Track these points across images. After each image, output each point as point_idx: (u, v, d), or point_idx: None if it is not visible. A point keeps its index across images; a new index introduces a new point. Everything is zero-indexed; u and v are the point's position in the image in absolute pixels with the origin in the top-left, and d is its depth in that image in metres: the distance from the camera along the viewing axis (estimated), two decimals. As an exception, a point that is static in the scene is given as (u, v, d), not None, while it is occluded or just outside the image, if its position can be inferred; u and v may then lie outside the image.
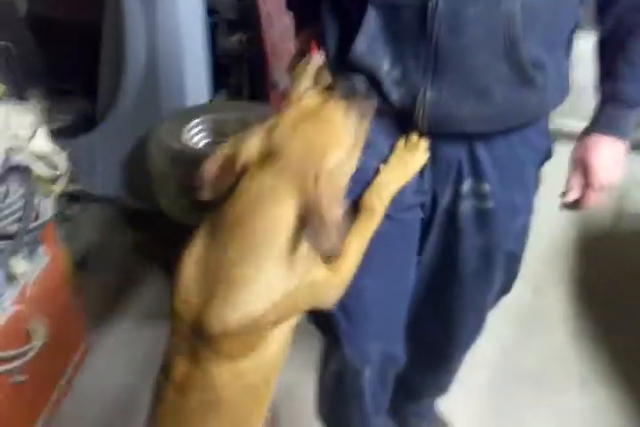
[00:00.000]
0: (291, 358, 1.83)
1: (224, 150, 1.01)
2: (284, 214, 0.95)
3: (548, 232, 2.55)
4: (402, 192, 1.13)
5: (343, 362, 1.25)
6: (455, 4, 0.98)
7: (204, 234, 1.04)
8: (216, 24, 2.58)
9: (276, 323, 1.01)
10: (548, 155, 1.22)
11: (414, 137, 1.13)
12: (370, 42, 1.05)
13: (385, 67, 1.06)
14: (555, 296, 2.33)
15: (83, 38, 2.57)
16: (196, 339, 0.99)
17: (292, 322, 1.06)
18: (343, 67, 1.10)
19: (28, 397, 1.69)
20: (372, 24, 1.04)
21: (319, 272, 1.03)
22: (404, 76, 1.06)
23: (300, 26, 1.37)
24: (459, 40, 1.00)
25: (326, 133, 0.99)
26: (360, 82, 1.07)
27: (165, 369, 1.05)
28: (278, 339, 1.04)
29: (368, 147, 1.07)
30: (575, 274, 2.43)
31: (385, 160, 1.14)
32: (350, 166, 1.02)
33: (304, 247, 0.98)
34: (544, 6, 1.01)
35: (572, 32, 1.12)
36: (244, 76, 2.68)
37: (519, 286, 2.25)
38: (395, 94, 1.07)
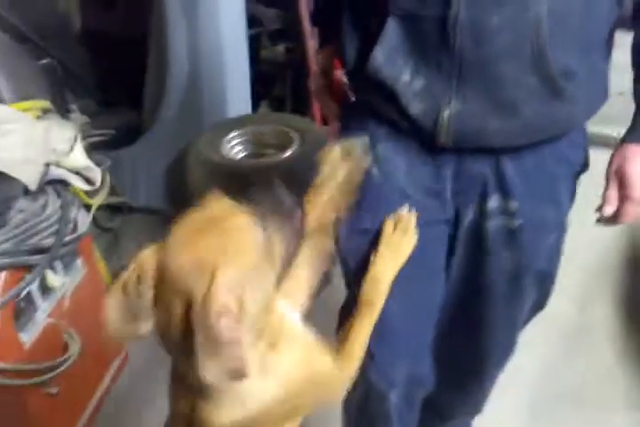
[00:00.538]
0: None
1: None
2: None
3: (595, 246, 2.44)
4: (419, 209, 1.09)
5: (368, 386, 1.20)
6: (477, 13, 0.94)
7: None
8: (259, 35, 2.59)
9: (279, 422, 0.94)
10: (583, 167, 1.16)
11: (403, 216, 1.09)
12: (389, 52, 1.02)
13: (405, 78, 1.02)
14: (601, 313, 2.22)
15: (130, 52, 2.62)
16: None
17: (298, 419, 1.00)
18: (361, 79, 1.07)
19: (63, 408, 1.70)
20: (392, 34, 1.00)
21: (326, 370, 0.97)
22: (425, 87, 1.01)
23: (323, 42, 1.33)
24: (483, 50, 0.96)
25: (223, 243, 0.81)
26: (285, 193, 0.92)
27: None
28: None
29: (383, 168, 1.03)
30: (623, 290, 2.30)
31: (402, 184, 1.10)
32: (268, 282, 0.85)
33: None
34: (573, 9, 0.95)
35: (611, 33, 1.05)
36: (286, 87, 2.69)
37: (564, 302, 2.19)
38: (415, 108, 1.03)
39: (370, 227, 1.13)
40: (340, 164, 1.07)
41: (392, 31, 1.00)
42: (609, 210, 1.09)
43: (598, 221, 1.13)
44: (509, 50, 0.95)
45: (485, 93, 0.99)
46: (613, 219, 1.11)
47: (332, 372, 0.99)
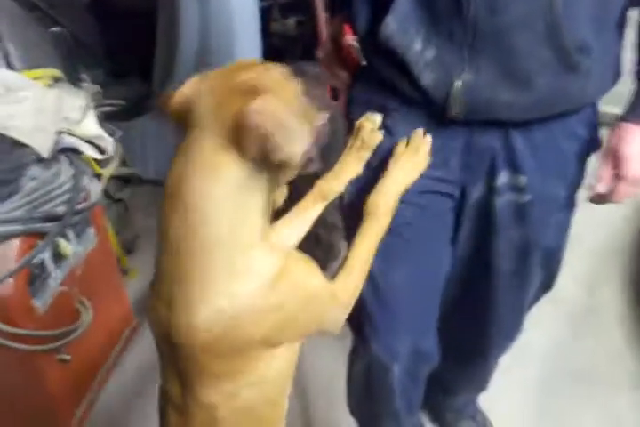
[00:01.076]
0: (329, 348, 1.84)
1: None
2: (223, 183, 0.77)
3: (603, 229, 2.44)
4: (422, 179, 1.07)
5: (371, 358, 1.20)
6: None
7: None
8: (270, 8, 2.56)
9: (265, 342, 0.86)
10: (594, 146, 1.14)
11: (418, 134, 1.06)
12: (401, 20, 1.00)
13: (416, 47, 1.00)
14: (609, 295, 2.23)
15: (140, 23, 2.60)
16: (176, 353, 0.86)
17: (293, 348, 0.92)
18: (372, 48, 1.05)
19: (75, 375, 1.73)
20: (405, 2, 0.98)
21: (316, 282, 0.90)
22: (437, 57, 1.00)
23: (334, 12, 1.30)
24: (498, 19, 0.94)
25: (265, 77, 0.80)
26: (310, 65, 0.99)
27: (163, 389, 0.94)
28: (277, 362, 0.90)
29: (392, 139, 1.02)
30: (631, 273, 2.31)
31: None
32: (304, 137, 0.80)
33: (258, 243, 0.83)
34: None
35: (625, 11, 1.03)
36: (297, 60, 2.66)
37: (573, 285, 2.19)
38: (427, 78, 1.01)
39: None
40: (370, 135, 1.07)
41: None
42: (601, 188, 1.08)
43: (591, 199, 1.13)
44: (523, 20, 0.94)
45: (498, 64, 0.98)
46: (605, 198, 1.10)
47: (328, 289, 0.92)
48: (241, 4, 2.29)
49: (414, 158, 1.06)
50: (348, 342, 1.32)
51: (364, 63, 1.11)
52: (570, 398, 1.85)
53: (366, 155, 1.08)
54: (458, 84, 1.00)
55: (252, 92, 0.76)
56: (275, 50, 2.59)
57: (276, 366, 0.90)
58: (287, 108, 0.78)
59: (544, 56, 0.96)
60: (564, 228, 1.21)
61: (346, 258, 0.98)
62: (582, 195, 1.18)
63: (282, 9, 2.65)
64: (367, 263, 0.99)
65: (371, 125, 1.08)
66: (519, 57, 0.97)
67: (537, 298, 1.33)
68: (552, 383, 1.90)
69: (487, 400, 1.75)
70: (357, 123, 1.09)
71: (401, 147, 1.07)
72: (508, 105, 1.01)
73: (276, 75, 0.83)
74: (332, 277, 0.95)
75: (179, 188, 0.79)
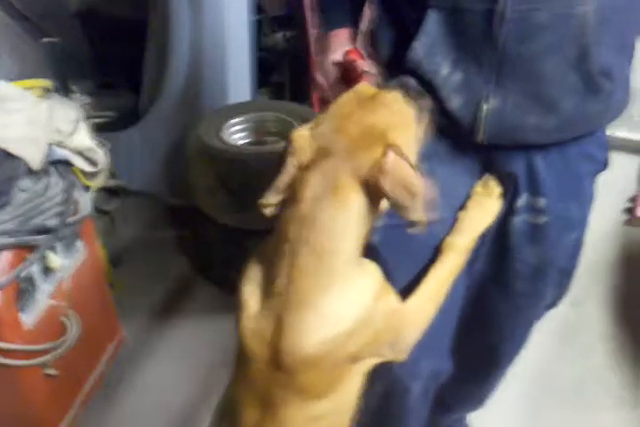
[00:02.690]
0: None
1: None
2: (349, 218, 0.87)
3: (590, 243, 2.46)
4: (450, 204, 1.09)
5: (392, 379, 1.19)
6: (525, 9, 0.93)
7: (261, 254, 0.96)
8: (260, 22, 2.57)
9: (355, 357, 0.92)
10: (604, 166, 1.17)
11: (491, 182, 1.10)
12: (429, 45, 1.01)
13: (444, 71, 1.01)
14: (594, 310, 2.25)
15: (129, 34, 2.59)
16: (272, 374, 0.90)
17: (369, 363, 0.97)
18: (397, 73, 1.06)
19: (61, 389, 1.70)
20: (433, 27, 0.99)
21: (393, 301, 0.95)
22: (465, 81, 1.01)
23: (329, 25, 1.25)
24: (527, 47, 0.96)
25: (385, 115, 0.89)
26: (413, 81, 1.02)
27: (235, 412, 0.97)
28: (356, 379, 0.95)
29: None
30: (617, 288, 2.34)
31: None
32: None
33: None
34: (618, 7, 0.96)
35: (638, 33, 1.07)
36: (286, 74, 2.67)
37: (559, 300, 2.21)
38: (454, 102, 1.02)
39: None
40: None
41: (433, 24, 0.99)
42: None
43: (630, 222, 1.15)
44: (554, 47, 0.95)
45: (525, 89, 0.99)
46: None
47: (405, 310, 0.98)
48: (234, 17, 2.30)
49: (490, 200, 1.09)
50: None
51: None
52: (555, 415, 1.86)
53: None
54: (485, 108, 1.01)
55: (383, 137, 0.86)
56: (264, 64, 2.60)
57: (351, 390, 0.95)
58: (412, 152, 0.90)
59: (571, 81, 0.98)
60: (577, 247, 1.23)
61: (419, 288, 1.02)
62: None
63: (272, 23, 2.66)
64: (440, 296, 1.03)
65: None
66: (546, 82, 0.99)
67: (543, 314, 1.34)
68: (537, 400, 1.91)
69: (473, 418, 1.76)
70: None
71: (478, 189, 1.10)
72: (533, 129, 1.02)
73: (399, 110, 0.91)
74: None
75: (313, 209, 0.88)
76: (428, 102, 0.98)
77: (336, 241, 0.88)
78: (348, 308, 0.90)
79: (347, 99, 0.91)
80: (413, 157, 0.90)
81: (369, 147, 0.85)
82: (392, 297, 0.96)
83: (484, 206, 1.09)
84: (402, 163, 0.84)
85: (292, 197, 0.89)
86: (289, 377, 0.89)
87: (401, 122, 0.90)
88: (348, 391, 0.95)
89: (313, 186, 0.87)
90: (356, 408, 1.00)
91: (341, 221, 0.87)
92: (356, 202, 0.87)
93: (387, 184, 0.83)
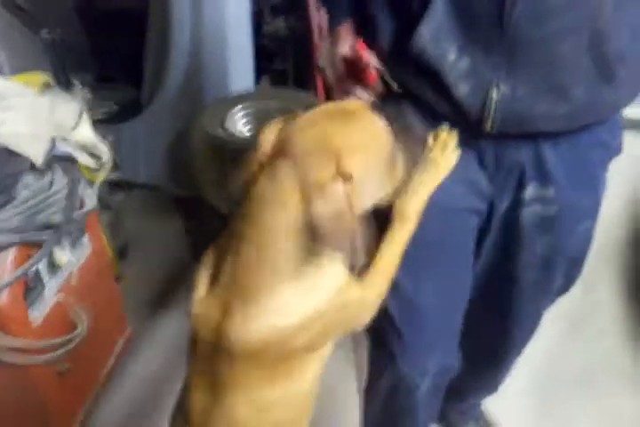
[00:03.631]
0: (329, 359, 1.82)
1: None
2: (289, 222, 0.84)
3: (601, 227, 2.44)
4: (450, 195, 1.05)
5: (398, 375, 1.19)
6: None
7: (220, 242, 0.94)
8: (261, 9, 2.54)
9: (307, 348, 0.90)
10: (617, 151, 1.14)
11: (443, 132, 1.02)
12: (435, 30, 0.96)
13: (451, 57, 0.97)
14: (606, 294, 2.23)
15: (129, 26, 2.57)
16: (217, 359, 0.88)
17: (324, 353, 0.94)
18: (399, 61, 1.02)
19: (72, 385, 1.70)
20: (439, 10, 0.95)
21: (351, 290, 0.92)
22: (472, 67, 0.96)
23: (334, 22, 1.22)
24: (540, 31, 0.91)
25: (351, 132, 0.84)
26: (411, 114, 0.98)
27: (182, 408, 0.95)
28: (311, 370, 0.92)
29: None
30: (627, 272, 2.32)
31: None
32: (382, 190, 0.88)
33: (324, 258, 0.87)
34: None
35: None
36: (288, 61, 2.64)
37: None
38: (461, 89, 0.98)
39: None
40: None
41: (439, 7, 0.95)
42: None
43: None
44: (568, 30, 0.91)
45: (536, 75, 0.96)
46: None
47: (361, 295, 0.95)
48: (234, 7, 2.27)
49: (442, 155, 1.02)
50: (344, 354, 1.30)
51: (396, 87, 1.07)
52: (568, 399, 1.86)
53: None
54: (493, 95, 0.97)
55: (336, 156, 0.81)
56: (266, 51, 2.57)
57: (305, 381, 0.91)
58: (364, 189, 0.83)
59: (584, 66, 0.95)
60: (589, 236, 1.21)
61: (372, 262, 0.97)
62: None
63: (272, 10, 2.63)
64: (394, 268, 0.98)
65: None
66: (558, 67, 0.95)
67: (553, 302, 1.33)
68: (549, 385, 1.90)
69: (487, 403, 1.75)
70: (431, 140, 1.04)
71: (429, 141, 1.02)
72: (543, 117, 0.99)
73: (372, 132, 0.86)
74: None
75: (257, 207, 0.86)
76: (423, 133, 0.94)
77: (278, 241, 0.85)
78: (296, 304, 0.87)
79: (326, 106, 0.89)
80: (370, 189, 0.86)
81: (318, 160, 0.81)
82: (353, 293, 0.93)
83: (436, 163, 1.01)
84: (344, 197, 0.79)
85: (244, 192, 0.88)
86: (232, 363, 0.87)
87: (366, 144, 0.85)
88: (301, 382, 0.92)
89: (261, 184, 0.86)
90: (312, 402, 0.98)
91: (282, 223, 0.84)
92: (294, 208, 0.83)
93: (317, 208, 0.80)
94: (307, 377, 0.92)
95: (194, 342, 0.92)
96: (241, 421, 0.90)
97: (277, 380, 0.89)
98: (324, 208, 0.79)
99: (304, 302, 0.87)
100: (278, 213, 0.84)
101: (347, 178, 0.80)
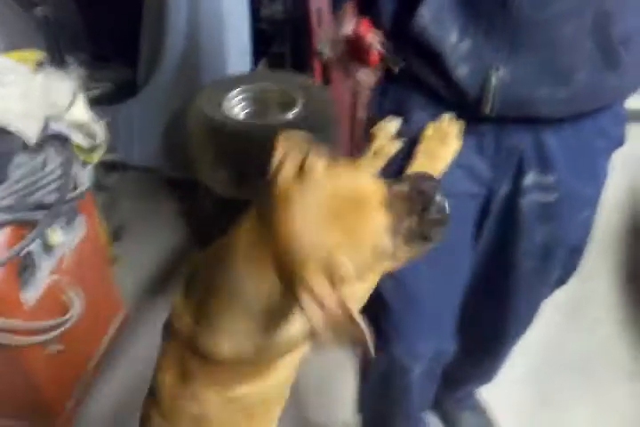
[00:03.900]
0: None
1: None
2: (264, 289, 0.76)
3: (598, 216, 2.44)
4: (448, 180, 1.01)
5: (391, 359, 1.18)
6: None
7: (210, 250, 0.87)
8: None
9: (279, 356, 0.86)
10: (620, 142, 1.12)
11: (444, 121, 1.01)
12: (436, 10, 0.94)
13: (452, 39, 0.95)
14: (602, 284, 2.24)
15: (125, 5, 2.52)
16: (189, 353, 0.85)
17: (301, 353, 0.90)
18: (401, 42, 1.01)
19: (66, 366, 1.69)
20: None
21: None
22: (473, 49, 0.95)
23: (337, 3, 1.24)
24: (543, 13, 0.89)
25: (352, 225, 0.71)
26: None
27: (153, 390, 0.93)
28: (287, 367, 0.89)
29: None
30: (624, 261, 2.32)
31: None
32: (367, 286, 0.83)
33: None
34: None
35: None
36: (286, 45, 2.61)
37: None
38: (461, 71, 0.96)
39: None
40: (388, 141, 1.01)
41: None
42: None
43: None
44: (573, 12, 0.89)
45: (537, 58, 0.94)
46: None
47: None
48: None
49: (442, 146, 0.99)
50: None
51: (397, 68, 1.05)
52: (565, 388, 1.86)
53: (379, 165, 1.01)
54: (494, 78, 0.95)
55: (331, 266, 0.68)
56: (264, 35, 2.54)
57: (277, 378, 0.88)
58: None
59: (587, 50, 0.93)
60: (588, 225, 1.19)
61: None
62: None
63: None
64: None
65: (386, 134, 1.02)
66: (561, 50, 0.93)
67: (552, 292, 1.32)
68: (547, 374, 1.90)
69: (482, 392, 1.76)
70: (372, 131, 1.03)
71: (428, 132, 1.01)
72: (544, 101, 0.97)
73: (370, 228, 0.73)
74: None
75: (234, 242, 0.79)
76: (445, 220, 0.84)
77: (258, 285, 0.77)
78: (272, 330, 0.81)
79: (337, 188, 0.73)
80: (366, 279, 0.77)
81: (313, 270, 0.68)
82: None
83: (435, 153, 0.98)
84: (339, 306, 0.66)
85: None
86: (203, 363, 0.84)
87: (361, 244, 0.72)
88: (275, 378, 0.88)
89: (242, 238, 0.78)
90: (287, 388, 0.95)
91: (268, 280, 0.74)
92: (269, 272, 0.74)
93: (311, 314, 0.66)
94: (281, 374, 0.89)
95: (171, 325, 0.90)
96: (212, 407, 0.88)
97: (249, 379, 0.86)
98: (319, 318, 0.66)
99: (279, 331, 0.81)
100: (253, 277, 0.76)
101: (340, 283, 0.68)
